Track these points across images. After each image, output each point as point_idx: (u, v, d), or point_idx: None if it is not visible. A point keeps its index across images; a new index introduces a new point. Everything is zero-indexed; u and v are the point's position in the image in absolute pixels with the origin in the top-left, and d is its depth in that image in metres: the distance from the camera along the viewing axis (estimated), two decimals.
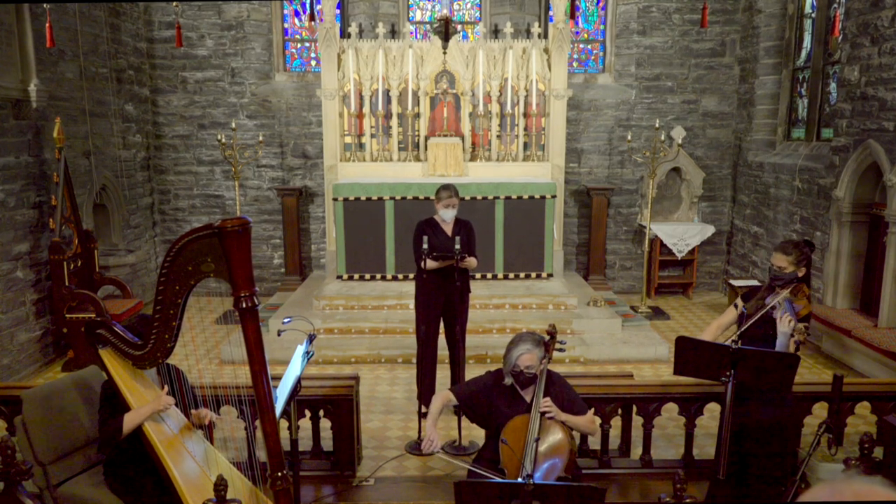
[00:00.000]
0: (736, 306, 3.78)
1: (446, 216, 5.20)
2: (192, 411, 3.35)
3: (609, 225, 9.17)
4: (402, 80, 8.15)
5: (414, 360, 5.53)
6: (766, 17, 8.46)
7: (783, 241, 3.72)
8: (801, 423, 4.29)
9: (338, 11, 8.73)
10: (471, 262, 5.10)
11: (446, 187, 5.24)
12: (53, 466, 3.40)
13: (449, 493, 3.38)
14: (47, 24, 5.50)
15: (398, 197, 7.50)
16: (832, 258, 6.77)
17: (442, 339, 5.37)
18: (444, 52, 7.65)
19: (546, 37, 8.35)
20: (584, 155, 9.19)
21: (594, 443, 4.39)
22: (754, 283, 8.12)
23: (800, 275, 3.55)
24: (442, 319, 5.29)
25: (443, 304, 5.16)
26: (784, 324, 3.40)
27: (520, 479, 3.04)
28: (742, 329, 3.50)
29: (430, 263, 4.99)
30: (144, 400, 3.17)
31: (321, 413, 4.38)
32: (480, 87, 8.17)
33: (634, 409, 4.35)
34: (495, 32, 8.85)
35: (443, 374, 5.50)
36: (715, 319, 3.95)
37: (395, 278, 7.57)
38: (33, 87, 6.30)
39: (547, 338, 3.65)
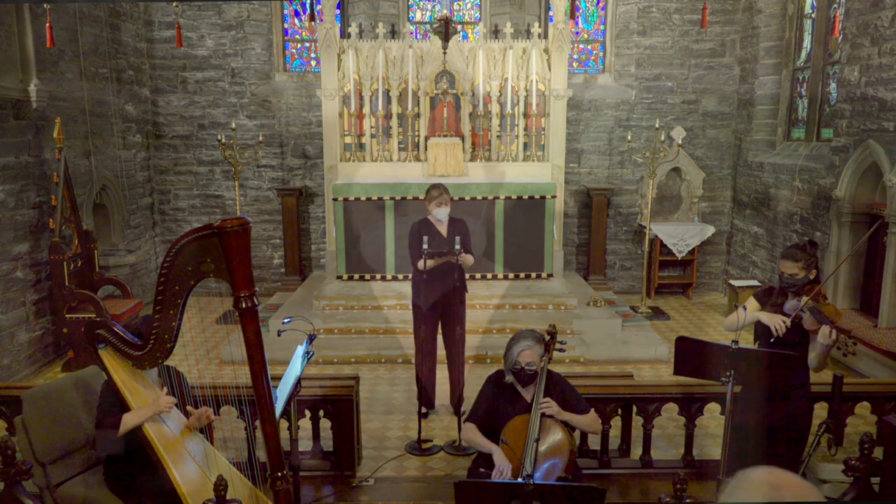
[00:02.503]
0: (736, 307, 3.76)
1: (440, 216, 5.17)
2: (190, 408, 3.35)
3: (609, 225, 9.17)
4: (402, 80, 8.15)
5: (413, 361, 5.52)
6: (766, 17, 8.46)
7: (789, 246, 3.65)
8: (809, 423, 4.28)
9: (338, 11, 8.73)
10: (467, 259, 5.07)
11: (436, 186, 5.19)
12: (53, 466, 3.40)
13: (449, 493, 3.38)
14: (47, 24, 5.50)
15: (398, 197, 7.50)
16: (832, 258, 6.77)
17: (440, 339, 5.36)
18: (444, 52, 7.64)
19: (546, 37, 8.35)
20: (584, 155, 9.19)
21: (594, 443, 4.39)
22: (754, 282, 8.12)
23: (811, 277, 3.52)
24: (440, 320, 5.28)
25: (441, 304, 5.14)
26: (825, 336, 3.34)
27: (520, 479, 3.04)
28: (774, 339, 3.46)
29: (429, 262, 4.97)
30: (144, 400, 3.17)
31: (321, 413, 4.38)
32: (480, 88, 8.17)
33: (634, 409, 4.35)
34: (495, 32, 8.85)
35: (442, 375, 5.50)
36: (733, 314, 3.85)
37: (395, 278, 7.57)
38: (33, 87, 6.30)
39: (547, 337, 3.65)
